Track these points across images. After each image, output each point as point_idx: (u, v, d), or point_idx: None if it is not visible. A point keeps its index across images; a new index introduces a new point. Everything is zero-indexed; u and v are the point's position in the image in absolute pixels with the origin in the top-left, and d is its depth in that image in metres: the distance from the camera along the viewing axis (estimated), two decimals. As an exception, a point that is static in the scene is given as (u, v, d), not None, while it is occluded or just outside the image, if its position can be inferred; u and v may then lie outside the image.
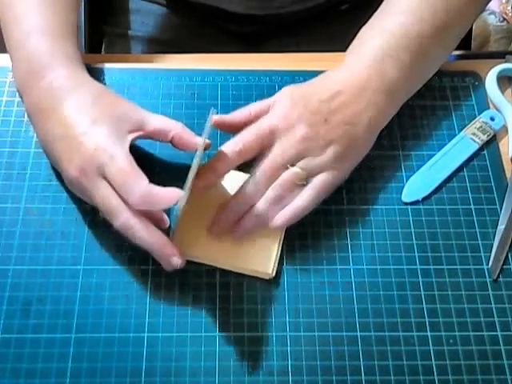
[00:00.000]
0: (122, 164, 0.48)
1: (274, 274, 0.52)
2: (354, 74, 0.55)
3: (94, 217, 0.54)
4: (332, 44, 0.64)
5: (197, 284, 0.51)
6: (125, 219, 0.48)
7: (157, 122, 0.52)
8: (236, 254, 0.52)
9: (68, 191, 0.55)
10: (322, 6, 0.74)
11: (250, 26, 0.75)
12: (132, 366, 0.48)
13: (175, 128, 0.52)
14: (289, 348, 0.49)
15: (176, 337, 0.49)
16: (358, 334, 0.50)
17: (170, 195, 0.47)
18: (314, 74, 0.62)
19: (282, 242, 0.53)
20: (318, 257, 0.53)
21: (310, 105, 0.53)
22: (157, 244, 0.48)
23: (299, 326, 0.50)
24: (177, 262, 0.48)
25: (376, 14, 0.58)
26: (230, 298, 0.51)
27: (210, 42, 0.75)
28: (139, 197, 0.47)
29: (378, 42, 0.55)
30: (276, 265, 0.52)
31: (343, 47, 0.59)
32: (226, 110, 0.58)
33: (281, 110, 0.53)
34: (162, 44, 0.77)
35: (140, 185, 0.47)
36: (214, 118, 0.53)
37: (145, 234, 0.48)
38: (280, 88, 0.62)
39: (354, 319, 0.50)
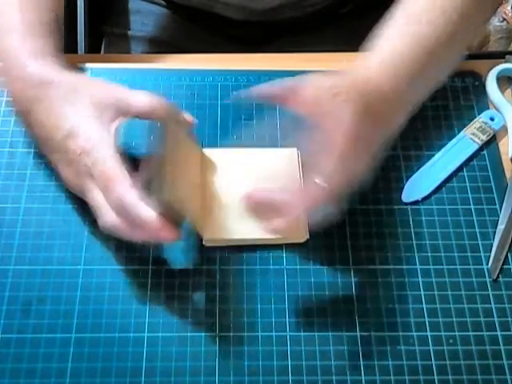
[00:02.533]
0: (106, 167, 0.47)
1: (307, 235, 0.53)
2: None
3: (94, 217, 0.54)
4: (333, 44, 0.64)
5: (197, 284, 0.51)
6: (108, 220, 0.48)
7: (140, 102, 0.51)
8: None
9: (68, 191, 0.55)
10: (320, 11, 0.74)
11: (248, 30, 0.75)
12: (132, 365, 0.48)
13: (159, 107, 0.51)
14: (289, 348, 0.49)
15: (176, 337, 0.49)
16: (358, 333, 0.50)
17: (145, 214, 0.46)
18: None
19: None
20: (318, 257, 0.53)
21: (370, 134, 0.49)
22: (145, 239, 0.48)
23: (299, 326, 0.50)
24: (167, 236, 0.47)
25: (397, 19, 0.56)
26: (230, 298, 0.51)
27: (209, 44, 0.75)
28: (117, 205, 0.47)
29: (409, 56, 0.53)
30: (307, 226, 0.53)
31: (344, 48, 0.59)
32: (226, 110, 0.58)
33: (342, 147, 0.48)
34: (161, 44, 0.77)
35: (121, 189, 0.47)
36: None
37: (129, 235, 0.48)
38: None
39: (354, 319, 0.50)
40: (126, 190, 0.47)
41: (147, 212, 0.46)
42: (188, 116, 0.54)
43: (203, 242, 0.52)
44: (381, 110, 0.50)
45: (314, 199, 0.47)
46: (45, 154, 0.53)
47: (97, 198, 0.49)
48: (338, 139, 0.47)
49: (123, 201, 0.46)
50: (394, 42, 0.54)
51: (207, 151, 0.56)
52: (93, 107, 0.50)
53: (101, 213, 0.48)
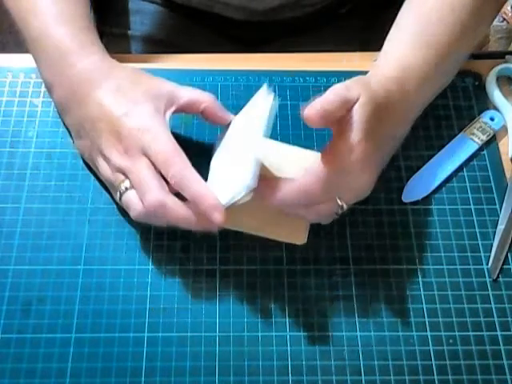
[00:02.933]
0: (165, 144, 0.48)
1: (305, 240, 0.52)
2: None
3: (94, 217, 0.54)
4: (333, 44, 0.64)
5: (197, 284, 0.51)
6: (155, 196, 0.47)
7: (187, 94, 0.53)
8: (269, 221, 0.52)
9: (68, 191, 0.55)
10: (319, 11, 0.73)
11: (249, 31, 0.75)
12: (132, 365, 0.48)
13: (206, 100, 0.53)
14: (289, 348, 0.49)
15: (176, 337, 0.49)
16: (358, 333, 0.50)
17: (204, 189, 0.47)
18: (315, 74, 0.62)
19: None
20: (318, 257, 0.53)
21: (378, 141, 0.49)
22: (191, 220, 0.48)
23: (299, 326, 0.50)
24: (217, 219, 0.47)
25: (419, 25, 0.56)
26: (230, 298, 0.51)
27: (210, 44, 0.75)
28: (179, 177, 0.47)
29: (423, 62, 0.54)
30: (307, 231, 0.52)
31: (344, 48, 0.58)
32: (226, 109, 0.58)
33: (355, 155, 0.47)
34: (161, 44, 0.77)
35: (181, 165, 0.48)
36: (309, 113, 0.46)
37: (178, 211, 0.48)
38: (280, 88, 0.62)
39: (354, 319, 0.50)
40: (186, 165, 0.48)
41: (206, 188, 0.47)
42: (227, 114, 0.55)
43: None
44: (390, 115, 0.50)
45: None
46: (89, 133, 0.52)
47: (143, 174, 0.48)
48: (345, 154, 0.47)
49: (184, 175, 0.47)
50: (403, 47, 0.54)
51: None
52: (148, 95, 0.51)
53: (147, 188, 0.48)
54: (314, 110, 0.45)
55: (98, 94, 0.51)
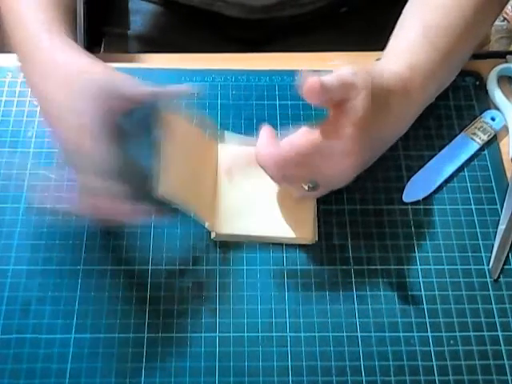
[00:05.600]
0: (85, 149, 0.47)
1: (316, 238, 0.53)
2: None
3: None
4: (334, 44, 0.64)
5: (196, 284, 0.51)
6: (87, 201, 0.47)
7: (133, 91, 0.51)
8: (275, 224, 0.53)
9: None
10: (320, 9, 0.73)
11: (249, 30, 0.75)
12: (132, 366, 0.48)
13: (153, 95, 0.51)
14: (289, 348, 0.49)
15: (176, 337, 0.49)
16: (359, 334, 0.50)
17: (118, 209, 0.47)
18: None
19: (316, 209, 0.54)
20: (318, 257, 0.53)
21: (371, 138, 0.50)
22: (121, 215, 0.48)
23: (299, 327, 0.50)
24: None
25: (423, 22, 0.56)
26: (231, 299, 0.51)
27: (210, 44, 0.75)
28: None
29: (431, 58, 0.54)
30: (316, 230, 0.53)
31: (345, 47, 0.58)
32: (226, 109, 0.58)
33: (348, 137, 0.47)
34: (161, 44, 0.76)
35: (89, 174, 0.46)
36: (309, 88, 0.45)
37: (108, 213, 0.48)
38: (280, 88, 0.62)
39: (354, 319, 0.50)
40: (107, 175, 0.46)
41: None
42: (184, 88, 0.53)
43: (211, 237, 0.52)
44: (389, 112, 0.50)
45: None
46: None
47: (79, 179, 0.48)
48: (347, 126, 0.47)
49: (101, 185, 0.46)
50: (409, 45, 0.54)
51: (223, 145, 0.56)
52: (93, 99, 0.49)
53: (81, 194, 0.48)
54: (315, 86, 0.44)
55: (41, 89, 0.50)
